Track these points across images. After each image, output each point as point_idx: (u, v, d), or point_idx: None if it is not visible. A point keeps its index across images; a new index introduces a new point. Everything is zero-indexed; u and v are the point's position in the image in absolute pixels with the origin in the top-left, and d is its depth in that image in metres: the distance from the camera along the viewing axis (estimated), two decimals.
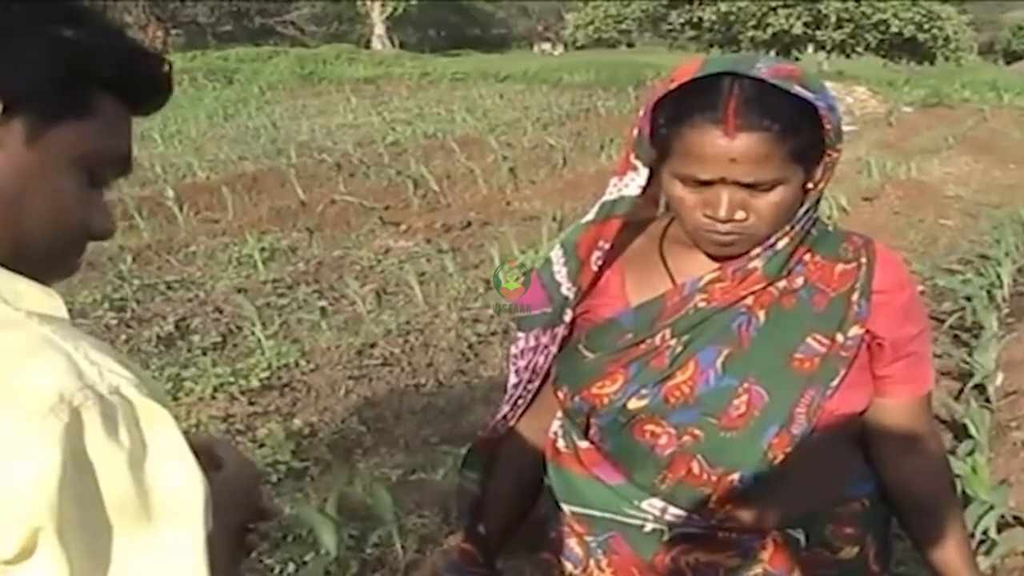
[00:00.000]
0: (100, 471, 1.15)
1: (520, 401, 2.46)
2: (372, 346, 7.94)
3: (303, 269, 10.32)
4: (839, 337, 2.19)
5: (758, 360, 2.18)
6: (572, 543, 2.40)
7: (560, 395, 2.32)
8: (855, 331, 2.20)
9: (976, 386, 7.03)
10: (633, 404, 2.20)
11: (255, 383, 7.09)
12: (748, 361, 2.18)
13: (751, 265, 2.17)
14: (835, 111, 2.07)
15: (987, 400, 6.83)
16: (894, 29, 47.04)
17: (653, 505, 2.22)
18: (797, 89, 1.99)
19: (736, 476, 2.17)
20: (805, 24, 46.69)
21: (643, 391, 2.19)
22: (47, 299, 1.30)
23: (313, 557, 4.87)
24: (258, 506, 1.67)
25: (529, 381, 2.42)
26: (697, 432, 2.18)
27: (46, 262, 1.34)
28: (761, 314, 2.20)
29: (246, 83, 33.72)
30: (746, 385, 2.16)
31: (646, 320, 2.22)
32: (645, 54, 51.86)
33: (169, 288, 9.50)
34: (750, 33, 46.96)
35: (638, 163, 2.18)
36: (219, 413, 6.53)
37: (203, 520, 1.23)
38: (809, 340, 2.19)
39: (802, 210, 2.16)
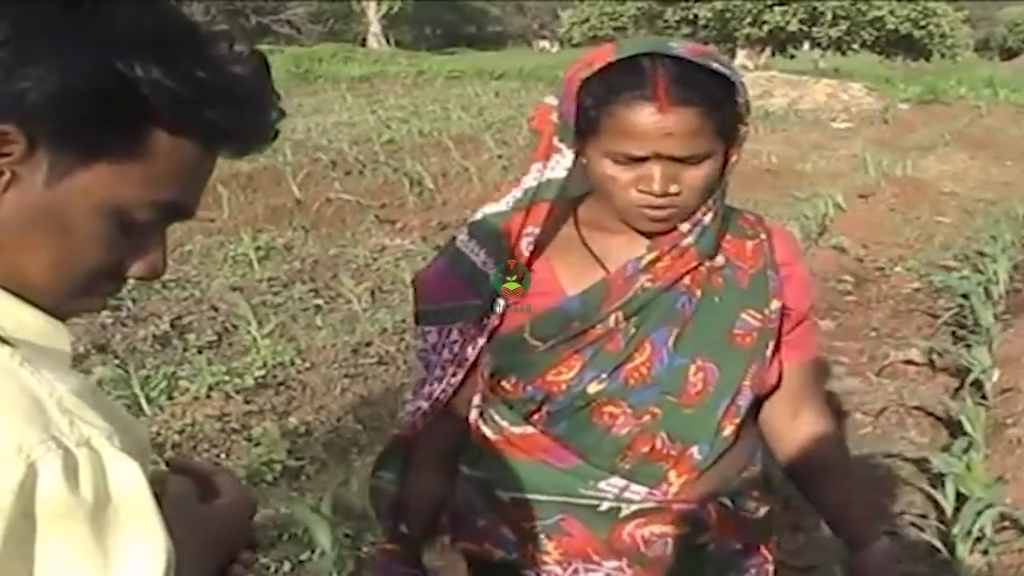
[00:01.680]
0: (55, 524, 1.12)
1: (443, 395, 2.43)
2: (368, 344, 7.94)
3: (299, 267, 10.31)
4: (766, 311, 2.34)
5: (703, 338, 2.29)
6: (505, 531, 2.43)
7: (507, 385, 2.34)
8: (776, 304, 2.35)
9: (973, 383, 7.02)
10: (593, 388, 2.27)
11: (250, 382, 7.09)
12: (695, 339, 2.28)
13: (685, 243, 2.25)
14: (744, 85, 2.17)
15: (983, 397, 6.84)
16: (890, 26, 47.05)
17: (613, 484, 2.30)
18: (716, 66, 2.10)
19: (694, 449, 2.30)
20: (801, 21, 46.66)
21: (602, 375, 2.26)
22: (50, 331, 1.27)
23: (308, 556, 4.87)
24: (249, 537, 1.65)
25: (453, 375, 2.41)
26: (656, 410, 2.28)
27: (55, 298, 1.27)
28: (698, 292, 2.30)
29: None
30: (699, 363, 2.28)
31: (592, 306, 2.26)
32: None
33: (165, 287, 9.46)
34: (746, 30, 46.97)
35: (562, 146, 2.24)
36: (214, 412, 6.52)
37: (161, 571, 1.19)
38: (744, 316, 2.32)
39: (723, 184, 2.25)
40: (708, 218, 2.25)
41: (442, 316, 2.38)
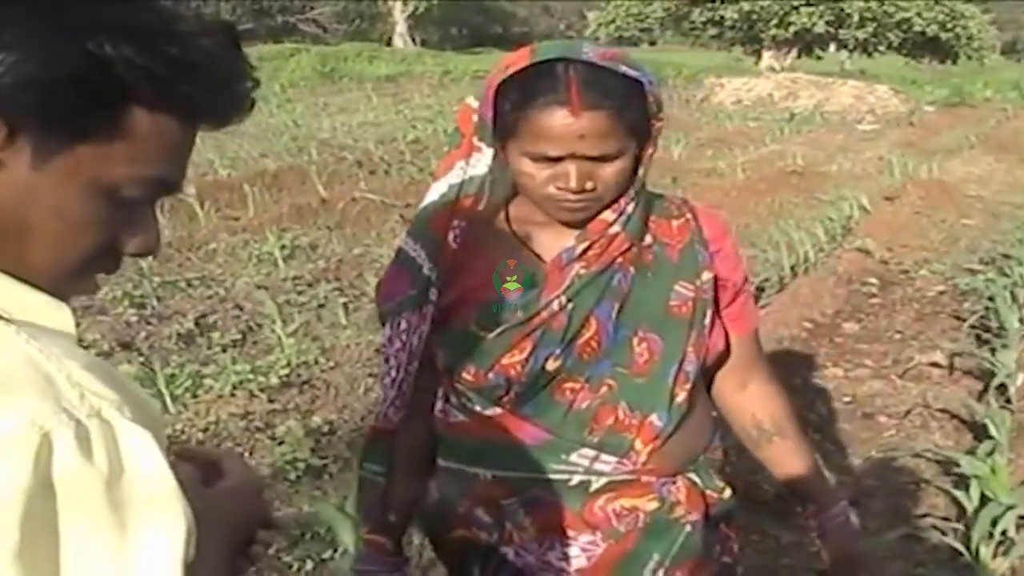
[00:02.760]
0: (72, 494, 1.13)
1: (404, 385, 2.56)
2: None
3: (324, 266, 10.31)
4: (698, 282, 2.48)
5: (642, 311, 2.44)
6: (480, 513, 2.55)
7: (468, 376, 2.45)
8: (707, 276, 2.50)
9: (997, 386, 7.00)
10: (551, 365, 2.40)
11: (275, 380, 7.10)
12: (634, 313, 2.44)
13: (612, 231, 2.41)
14: (654, 83, 2.32)
15: (1008, 400, 6.81)
16: (917, 28, 46.89)
17: (584, 455, 2.44)
18: (624, 69, 2.25)
19: (654, 417, 2.44)
20: (828, 23, 46.55)
21: (556, 352, 2.39)
22: (55, 312, 1.29)
23: (331, 555, 4.88)
24: (262, 517, 1.65)
25: (408, 363, 2.53)
26: (611, 382, 2.43)
27: (54, 280, 1.29)
28: (631, 269, 2.44)
29: (267, 80, 33.70)
30: (640, 334, 2.44)
31: (531, 295, 2.41)
32: (667, 52, 51.81)
33: (190, 285, 9.50)
34: (772, 31, 46.87)
35: (482, 144, 2.42)
36: (238, 410, 6.53)
37: (182, 540, 1.21)
38: (677, 287, 2.47)
39: (640, 174, 2.41)
40: (631, 207, 2.42)
41: (393, 311, 2.52)
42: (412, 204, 13.01)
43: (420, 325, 2.49)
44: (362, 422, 6.49)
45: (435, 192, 2.50)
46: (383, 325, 2.57)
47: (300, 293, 9.39)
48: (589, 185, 2.29)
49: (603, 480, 2.45)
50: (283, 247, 10.79)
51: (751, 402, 2.67)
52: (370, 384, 7.19)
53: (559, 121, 2.22)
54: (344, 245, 11.36)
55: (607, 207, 2.40)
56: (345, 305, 9.03)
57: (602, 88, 2.22)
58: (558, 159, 2.27)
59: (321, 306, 9.05)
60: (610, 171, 2.30)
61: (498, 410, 2.46)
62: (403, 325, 2.50)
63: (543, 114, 2.23)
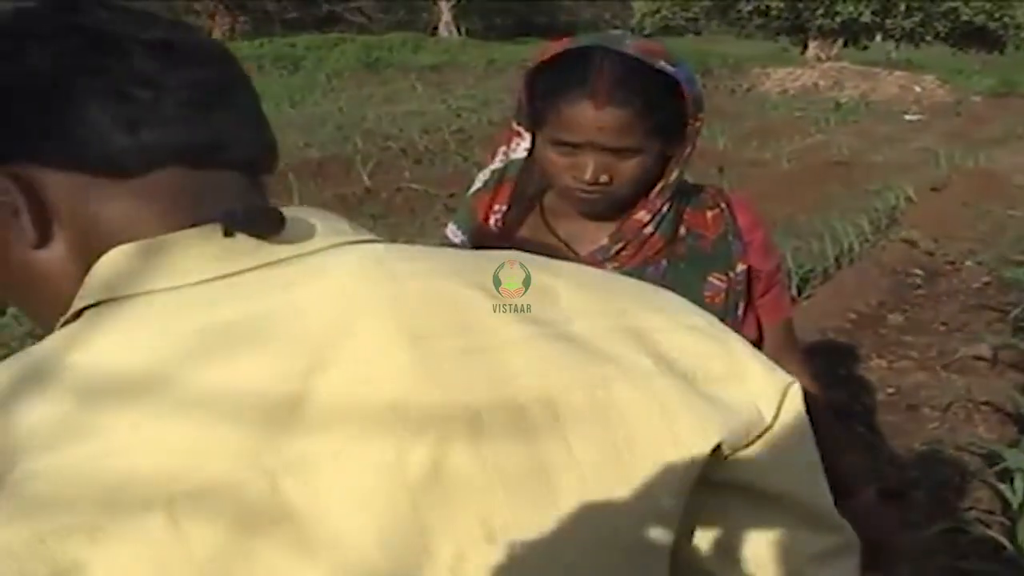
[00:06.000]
0: None
1: None
2: None
3: None
4: (731, 273, 2.50)
5: None
6: None
7: None
8: (740, 267, 2.51)
9: None
10: None
11: None
12: None
13: (646, 231, 2.45)
14: (694, 83, 2.33)
15: None
16: (964, 18, 46.53)
17: None
18: (661, 64, 2.26)
19: None
20: (874, 12, 46.24)
21: None
22: None
23: None
24: None
25: None
26: None
27: None
28: (663, 262, 2.48)
29: (312, 70, 33.85)
30: None
31: None
32: (712, 42, 51.65)
33: None
34: (818, 21, 46.62)
35: (521, 129, 2.47)
36: None
37: None
38: (710, 279, 2.49)
39: (675, 175, 2.43)
40: (666, 207, 2.45)
41: None
42: (456, 194, 13.02)
43: None
44: None
45: (478, 180, 2.57)
46: None
47: None
48: (604, 178, 2.32)
49: None
50: None
51: None
52: None
53: (581, 111, 2.25)
54: (388, 235, 11.33)
55: (641, 206, 2.44)
56: None
57: (631, 83, 2.24)
58: (577, 147, 2.30)
59: None
60: (628, 166, 2.32)
61: None
62: None
63: (567, 103, 2.26)
